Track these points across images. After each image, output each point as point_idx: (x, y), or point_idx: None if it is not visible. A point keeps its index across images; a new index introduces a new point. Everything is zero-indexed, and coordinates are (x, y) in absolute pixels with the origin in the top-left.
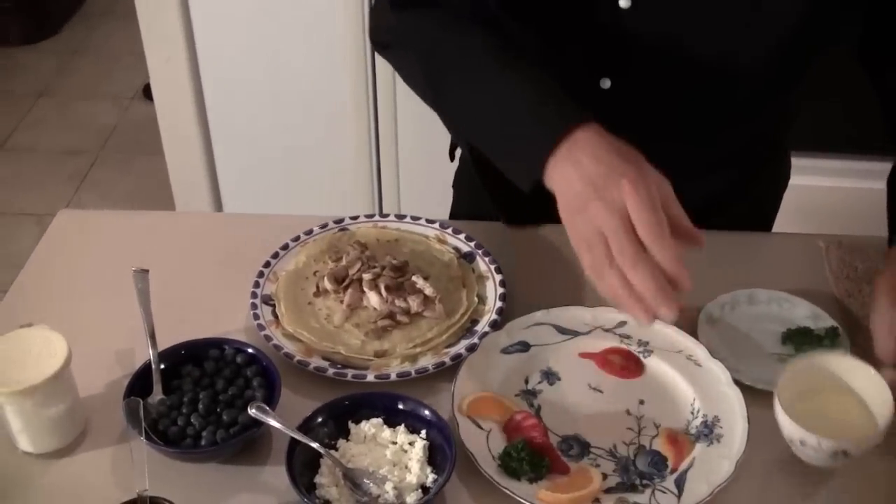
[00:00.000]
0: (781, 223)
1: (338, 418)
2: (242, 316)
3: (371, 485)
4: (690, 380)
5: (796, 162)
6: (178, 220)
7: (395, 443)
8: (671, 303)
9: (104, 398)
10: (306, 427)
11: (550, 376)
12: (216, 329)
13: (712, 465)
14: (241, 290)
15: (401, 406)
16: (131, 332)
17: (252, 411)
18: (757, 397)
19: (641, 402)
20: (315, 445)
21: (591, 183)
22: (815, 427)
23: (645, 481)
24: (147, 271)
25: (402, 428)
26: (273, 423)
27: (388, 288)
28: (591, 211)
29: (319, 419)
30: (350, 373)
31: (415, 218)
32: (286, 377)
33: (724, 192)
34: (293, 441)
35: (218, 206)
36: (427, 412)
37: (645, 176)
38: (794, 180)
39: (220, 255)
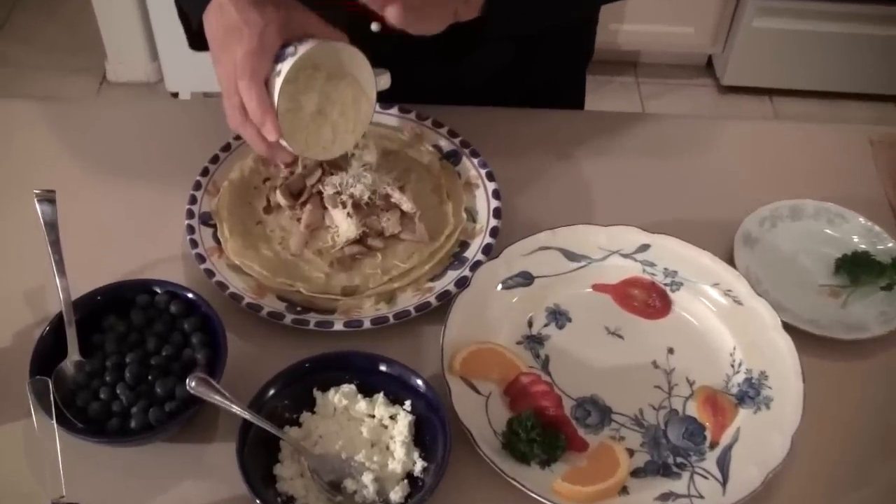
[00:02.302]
0: None
1: (299, 385)
2: (178, 241)
3: (346, 480)
4: (729, 322)
5: None
6: (93, 109)
7: (372, 416)
8: (274, 158)
9: (11, 355)
10: (260, 402)
11: (559, 316)
12: (146, 259)
13: (761, 439)
14: (177, 204)
15: (380, 368)
16: (42, 264)
17: (191, 385)
18: (807, 343)
19: (671, 352)
20: (272, 429)
21: (225, 33)
22: None
23: (680, 459)
24: (53, 193)
25: (380, 397)
26: (218, 400)
27: (355, 205)
28: (220, 64)
29: (274, 390)
30: (313, 320)
31: (384, 105)
32: (234, 325)
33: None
34: (246, 420)
35: (153, 54)
36: (413, 378)
37: (266, 24)
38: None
39: (149, 156)
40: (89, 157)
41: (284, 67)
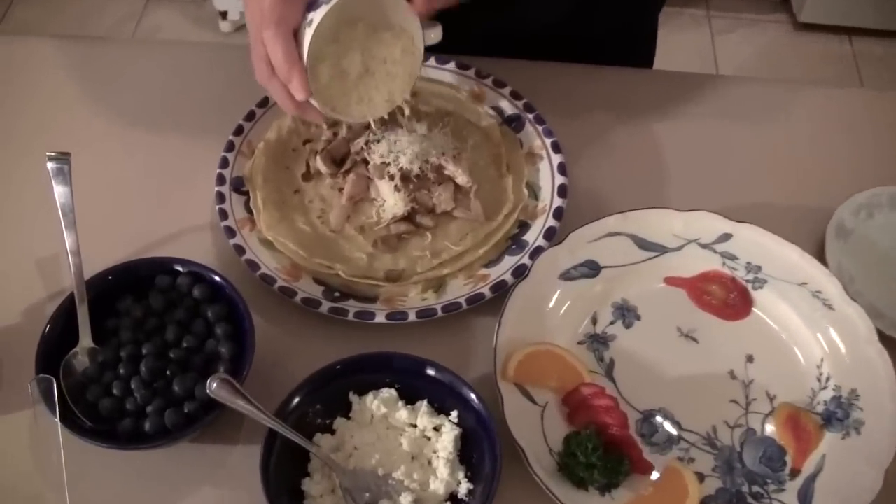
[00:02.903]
0: None
1: (333, 386)
2: (208, 208)
3: (382, 501)
4: (817, 329)
5: None
6: (121, 50)
7: (414, 425)
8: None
9: (20, 333)
10: (287, 410)
11: (627, 313)
12: (172, 228)
13: (850, 471)
14: (208, 166)
15: (427, 372)
16: (56, 230)
17: (212, 388)
18: None
19: (749, 360)
20: (301, 441)
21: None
22: None
23: (756, 488)
24: (67, 156)
25: (424, 406)
26: (241, 406)
27: (404, 177)
28: (247, 8)
29: (301, 397)
30: (352, 310)
31: (440, 60)
32: (264, 309)
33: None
34: (272, 429)
35: None
36: (463, 388)
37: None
38: None
39: (179, 109)
40: (113, 107)
41: (317, 16)
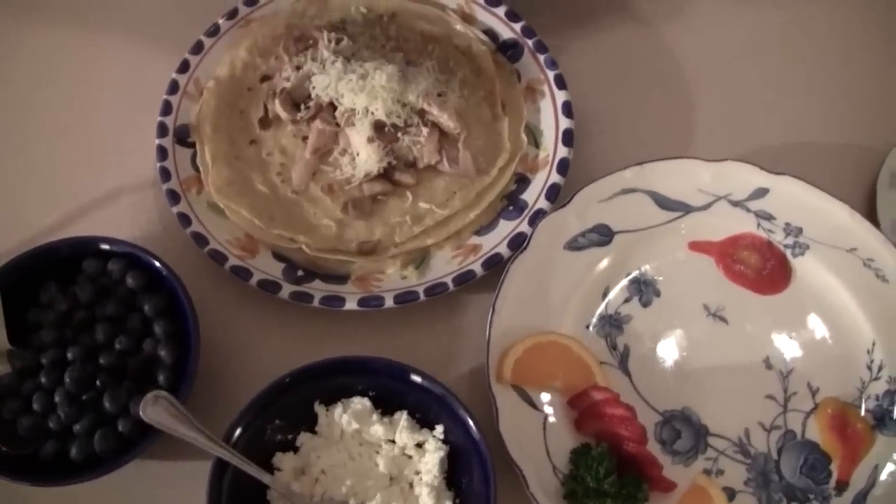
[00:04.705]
0: None
1: (295, 395)
2: (150, 163)
3: None
4: (868, 305)
5: None
6: None
7: (392, 441)
8: None
9: None
10: (233, 434)
11: (644, 288)
12: (108, 185)
13: None
14: (152, 107)
15: (408, 378)
16: None
17: (146, 412)
18: None
19: (788, 344)
20: (255, 472)
21: None
22: None
23: None
24: None
25: (403, 418)
26: (183, 433)
27: (378, 126)
28: None
29: (251, 418)
30: (318, 294)
31: None
32: (213, 292)
33: None
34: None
35: None
36: (450, 399)
37: None
38: None
39: (120, 33)
40: (36, 26)
41: None
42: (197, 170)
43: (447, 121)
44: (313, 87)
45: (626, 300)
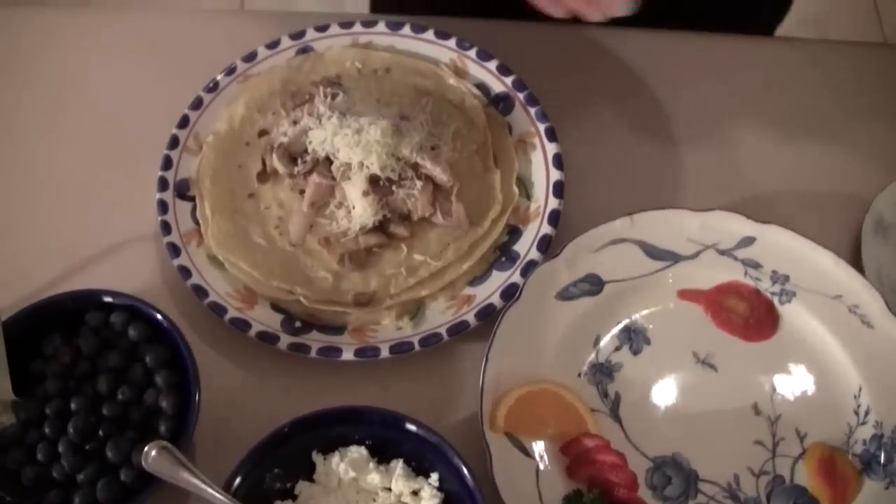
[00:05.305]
0: None
1: (295, 444)
2: (151, 217)
3: None
4: (854, 351)
5: None
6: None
7: (388, 489)
8: None
9: None
10: (233, 483)
11: (634, 336)
12: (110, 239)
13: None
14: (152, 165)
15: (403, 427)
16: None
17: (148, 462)
18: None
19: (775, 390)
20: None
21: None
22: None
23: None
24: None
25: (399, 466)
26: (186, 479)
27: (373, 179)
28: None
29: (251, 467)
30: (315, 345)
31: (418, 28)
32: (214, 343)
33: None
34: None
35: None
36: (444, 448)
37: None
38: None
39: (124, 93)
40: (41, 86)
41: None
42: (197, 223)
43: (440, 174)
44: (310, 142)
45: (617, 348)
